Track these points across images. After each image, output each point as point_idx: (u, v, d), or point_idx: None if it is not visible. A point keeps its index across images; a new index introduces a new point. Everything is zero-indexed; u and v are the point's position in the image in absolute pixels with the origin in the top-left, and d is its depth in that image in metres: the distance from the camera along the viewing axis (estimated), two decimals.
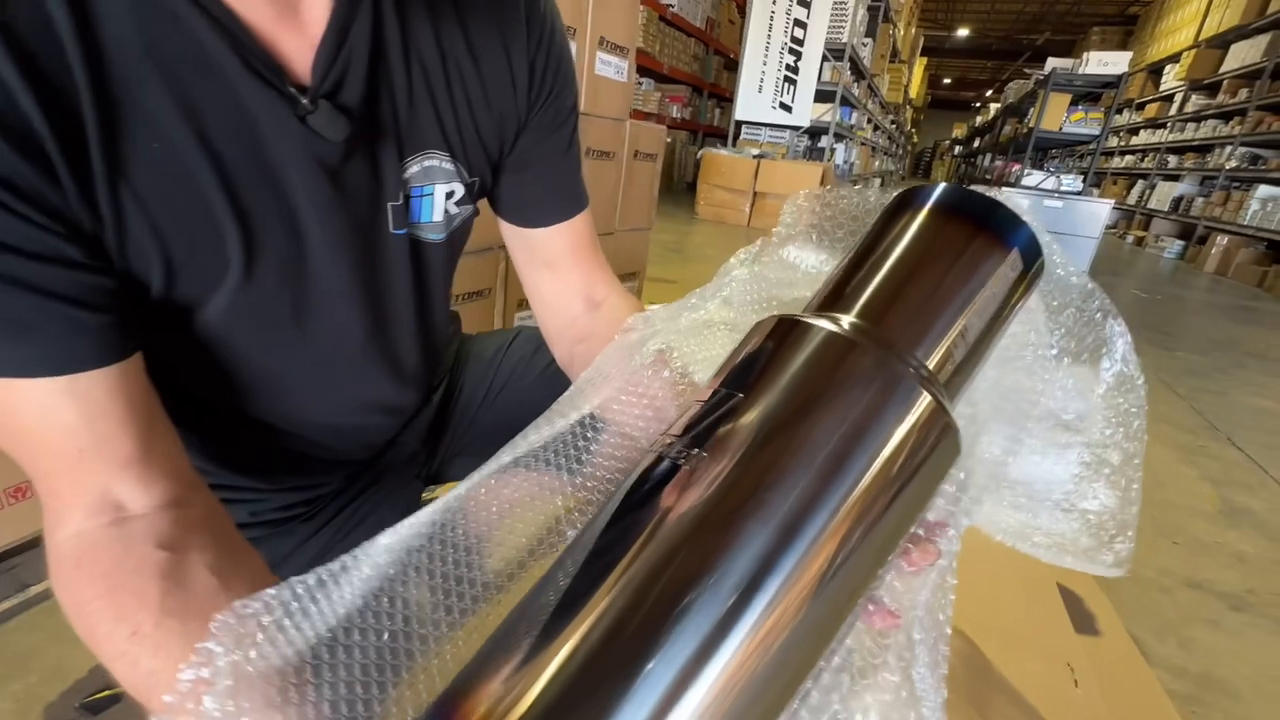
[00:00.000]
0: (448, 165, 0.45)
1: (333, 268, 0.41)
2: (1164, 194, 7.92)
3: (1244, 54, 6.77)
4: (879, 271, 0.29)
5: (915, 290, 0.28)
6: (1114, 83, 5.11)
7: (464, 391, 0.67)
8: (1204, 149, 7.54)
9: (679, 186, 7.46)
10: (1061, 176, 5.39)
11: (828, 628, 0.24)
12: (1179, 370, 2.68)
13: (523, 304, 1.63)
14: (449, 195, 0.46)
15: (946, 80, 26.74)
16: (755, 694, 0.22)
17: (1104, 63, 4.98)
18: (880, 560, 0.25)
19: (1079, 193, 5.26)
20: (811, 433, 0.23)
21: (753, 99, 5.92)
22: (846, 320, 0.27)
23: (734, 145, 5.95)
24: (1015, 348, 0.35)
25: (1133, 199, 8.83)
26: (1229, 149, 6.72)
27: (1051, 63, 5.31)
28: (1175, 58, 8.57)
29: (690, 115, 7.42)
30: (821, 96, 5.89)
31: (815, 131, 6.20)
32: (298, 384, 0.46)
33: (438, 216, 0.47)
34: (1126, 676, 0.60)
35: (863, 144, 8.39)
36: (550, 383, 0.60)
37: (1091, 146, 5.55)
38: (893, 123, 11.95)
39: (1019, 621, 0.90)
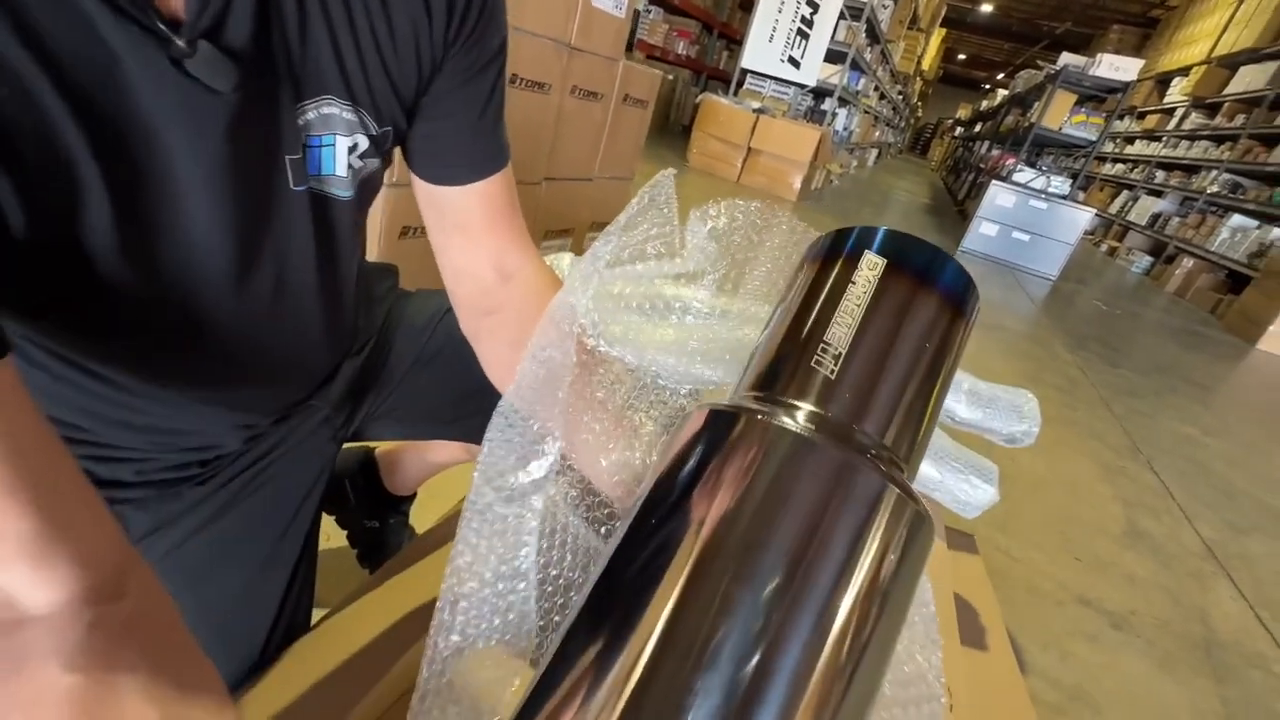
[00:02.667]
0: (349, 115, 0.40)
1: (216, 232, 0.36)
2: (1144, 208, 8.04)
3: (1250, 78, 6.76)
4: (823, 343, 0.25)
5: (865, 362, 0.25)
6: (1120, 89, 5.07)
7: (393, 353, 0.64)
8: (1191, 169, 7.63)
9: (674, 128, 7.22)
10: (1051, 177, 5.40)
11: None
12: (1119, 389, 2.79)
13: None
14: (351, 148, 0.41)
15: (961, 56, 26.13)
16: None
17: (1115, 67, 4.92)
18: (885, 660, 0.23)
19: (1065, 196, 5.30)
20: (782, 550, 0.21)
21: (762, 48, 5.68)
22: (801, 409, 0.24)
23: (735, 95, 5.75)
24: None
25: (1114, 208, 8.95)
26: (1214, 173, 6.82)
27: (1065, 58, 5.22)
28: (1185, 71, 8.52)
29: (696, 54, 7.10)
30: (832, 57, 5.69)
31: (820, 92, 6.02)
32: (186, 345, 0.42)
33: (341, 170, 0.42)
34: (1001, 698, 0.64)
35: (866, 111, 8.21)
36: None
37: (1086, 150, 5.55)
38: (900, 93, 11.70)
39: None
